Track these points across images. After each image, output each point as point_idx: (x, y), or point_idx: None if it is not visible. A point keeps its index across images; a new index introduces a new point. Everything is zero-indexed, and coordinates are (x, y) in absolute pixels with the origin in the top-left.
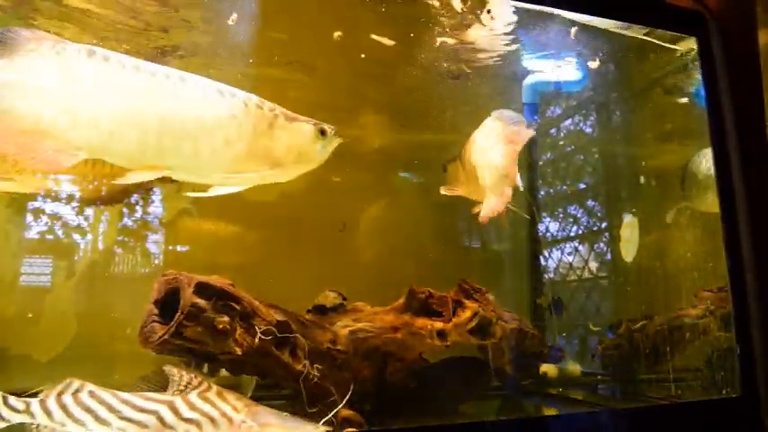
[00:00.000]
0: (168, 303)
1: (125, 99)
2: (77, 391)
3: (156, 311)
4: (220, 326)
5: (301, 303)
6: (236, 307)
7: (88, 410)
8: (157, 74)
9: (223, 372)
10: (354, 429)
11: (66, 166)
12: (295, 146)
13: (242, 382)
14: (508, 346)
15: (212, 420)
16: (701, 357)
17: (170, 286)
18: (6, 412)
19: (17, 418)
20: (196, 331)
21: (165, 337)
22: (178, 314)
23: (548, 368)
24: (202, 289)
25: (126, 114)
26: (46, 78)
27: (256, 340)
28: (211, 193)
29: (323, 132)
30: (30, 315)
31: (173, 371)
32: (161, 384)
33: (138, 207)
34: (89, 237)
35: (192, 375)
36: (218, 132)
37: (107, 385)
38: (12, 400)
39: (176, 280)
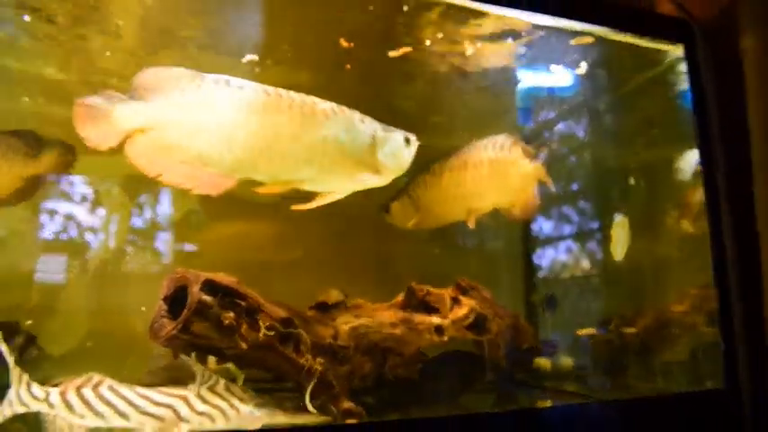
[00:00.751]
0: (177, 300)
1: (264, 122)
2: (97, 385)
3: (165, 307)
4: (226, 321)
5: (304, 301)
6: (242, 303)
7: (109, 404)
8: (284, 96)
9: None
10: (355, 420)
11: (225, 189)
12: (391, 153)
13: (230, 375)
14: (503, 342)
15: (223, 413)
16: (687, 351)
17: (179, 284)
18: (27, 398)
19: (36, 406)
20: (203, 326)
21: (174, 332)
22: (186, 310)
23: (541, 362)
24: (209, 286)
25: (267, 136)
26: (195, 111)
27: (260, 335)
28: (313, 204)
29: (407, 140)
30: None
31: (199, 367)
32: (167, 379)
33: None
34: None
35: (203, 370)
36: (338, 146)
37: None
38: (35, 387)
39: (184, 278)
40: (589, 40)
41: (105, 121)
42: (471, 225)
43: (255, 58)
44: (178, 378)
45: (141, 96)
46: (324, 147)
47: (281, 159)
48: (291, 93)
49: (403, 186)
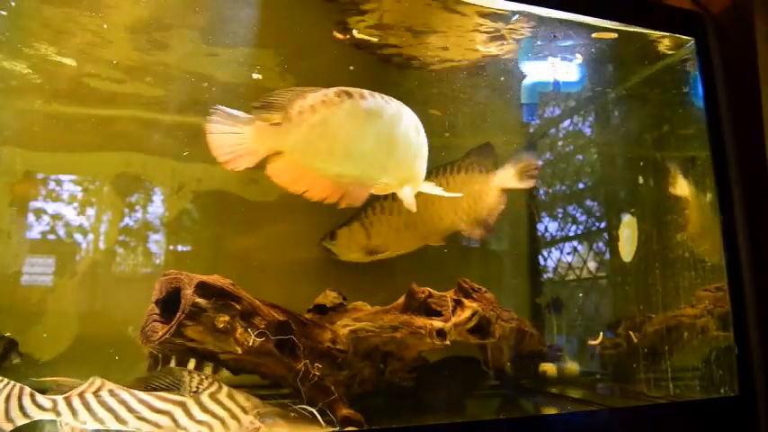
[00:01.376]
0: (169, 303)
1: (385, 129)
2: (98, 389)
3: (156, 311)
4: (221, 325)
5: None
6: (237, 306)
7: (110, 410)
8: (378, 99)
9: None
10: (354, 428)
11: (364, 199)
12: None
13: None
14: (507, 346)
15: (222, 421)
16: (699, 357)
17: (171, 286)
18: (32, 410)
19: (40, 416)
20: (197, 330)
21: (166, 336)
22: (179, 313)
23: (547, 367)
24: (203, 288)
25: (390, 141)
26: (328, 128)
27: (251, 342)
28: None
29: None
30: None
31: (182, 373)
32: (160, 386)
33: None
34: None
35: (203, 377)
36: (424, 146)
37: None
38: (39, 397)
39: (177, 279)
40: (612, 35)
41: (242, 145)
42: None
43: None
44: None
45: (277, 118)
46: (418, 146)
47: (385, 164)
48: (394, 99)
49: (354, 214)
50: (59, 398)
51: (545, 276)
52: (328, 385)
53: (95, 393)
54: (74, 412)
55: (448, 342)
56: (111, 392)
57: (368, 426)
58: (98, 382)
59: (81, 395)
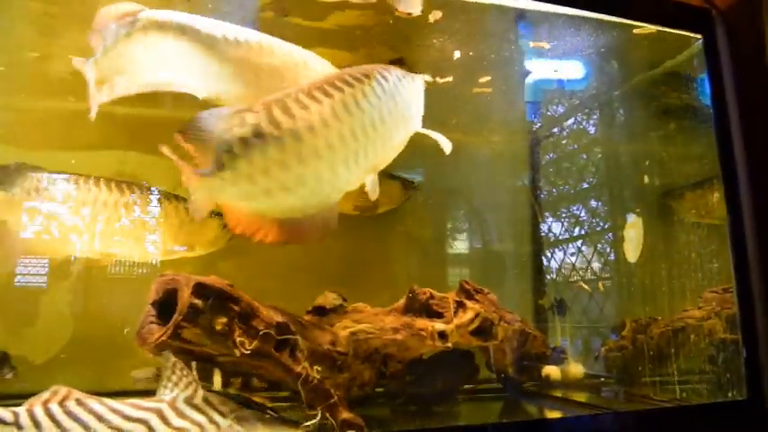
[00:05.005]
0: (166, 304)
1: None
2: (64, 399)
3: (153, 312)
4: (219, 327)
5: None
6: (235, 308)
7: (77, 420)
8: None
9: None
10: None
11: None
12: None
13: None
14: (510, 348)
15: (201, 427)
16: (706, 359)
17: (168, 287)
18: None
19: (3, 431)
20: (194, 332)
21: (163, 338)
22: (176, 315)
23: (550, 370)
24: (201, 290)
25: None
26: None
27: (245, 348)
28: None
29: None
30: None
31: (173, 369)
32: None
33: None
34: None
35: (181, 376)
36: None
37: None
38: (0, 411)
39: (174, 281)
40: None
41: None
42: None
43: None
44: None
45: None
46: None
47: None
48: None
49: None
50: (21, 410)
51: (549, 277)
52: (328, 388)
53: (61, 403)
54: (37, 424)
55: (449, 344)
56: (79, 402)
57: (368, 429)
58: (63, 390)
59: (45, 405)
